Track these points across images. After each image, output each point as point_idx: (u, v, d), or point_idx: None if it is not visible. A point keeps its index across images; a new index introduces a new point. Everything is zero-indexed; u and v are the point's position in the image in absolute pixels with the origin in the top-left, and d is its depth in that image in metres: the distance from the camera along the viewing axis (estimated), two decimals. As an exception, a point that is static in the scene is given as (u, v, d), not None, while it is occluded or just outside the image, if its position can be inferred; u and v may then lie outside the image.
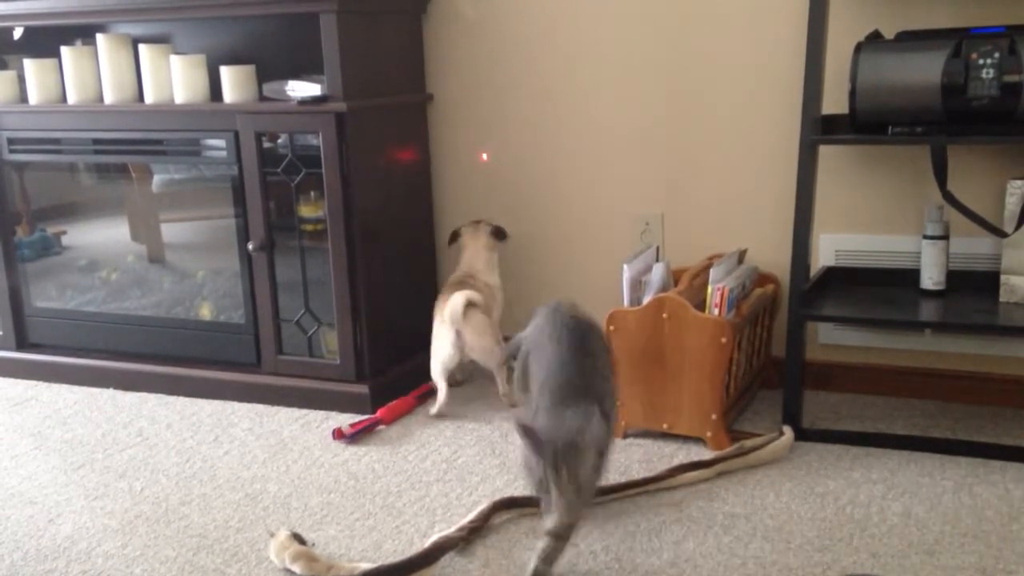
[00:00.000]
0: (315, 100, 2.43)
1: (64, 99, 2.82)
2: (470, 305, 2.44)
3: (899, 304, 2.25)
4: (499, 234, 2.69)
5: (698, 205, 2.61)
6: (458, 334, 2.44)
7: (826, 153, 2.42)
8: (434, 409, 2.50)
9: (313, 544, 1.88)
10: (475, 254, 2.65)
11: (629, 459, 2.19)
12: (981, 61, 2.01)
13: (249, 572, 1.80)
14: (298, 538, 1.84)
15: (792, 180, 2.33)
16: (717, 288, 2.19)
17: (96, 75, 2.76)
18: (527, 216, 2.76)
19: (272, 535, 1.86)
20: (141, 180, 2.86)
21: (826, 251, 2.49)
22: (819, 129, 2.23)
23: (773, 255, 2.54)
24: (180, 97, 2.63)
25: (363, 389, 2.54)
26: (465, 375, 2.71)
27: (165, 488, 2.17)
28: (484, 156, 2.80)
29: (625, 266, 2.32)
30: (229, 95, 2.59)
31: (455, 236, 2.70)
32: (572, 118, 2.69)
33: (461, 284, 2.55)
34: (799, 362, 2.25)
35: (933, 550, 1.77)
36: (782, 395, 2.29)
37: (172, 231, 2.85)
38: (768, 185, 2.52)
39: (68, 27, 2.85)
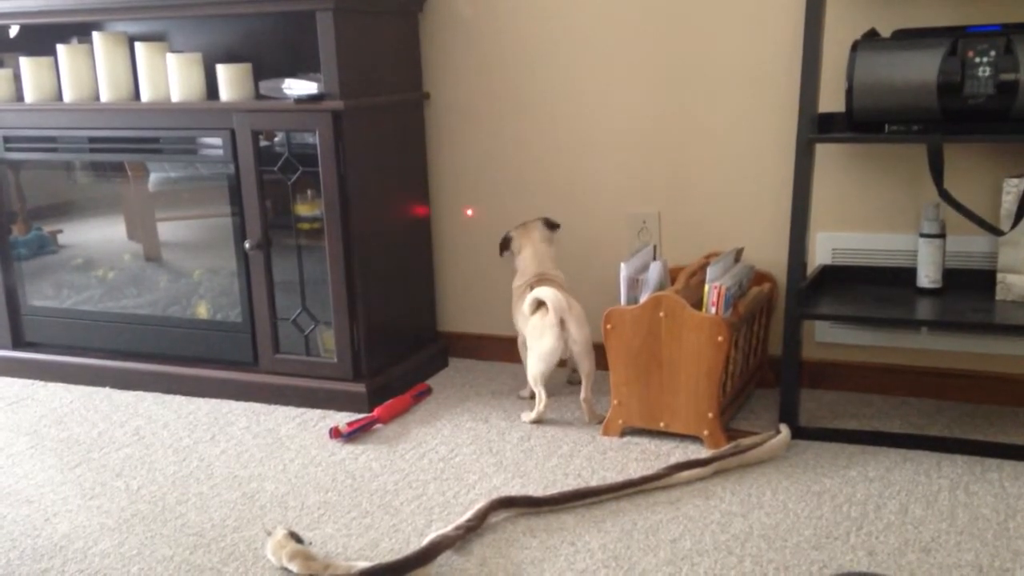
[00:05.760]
0: (311, 98, 2.43)
1: (60, 97, 2.81)
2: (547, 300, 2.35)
3: (895, 302, 2.26)
4: (551, 225, 2.62)
5: (695, 204, 2.61)
6: (562, 324, 2.33)
7: (823, 151, 2.42)
8: (531, 415, 2.40)
9: (310, 543, 1.88)
10: (535, 252, 2.56)
11: (626, 458, 2.19)
12: (977, 59, 2.01)
13: (246, 571, 1.80)
14: (295, 537, 1.84)
15: (789, 178, 2.34)
16: (714, 287, 2.19)
17: (92, 73, 2.76)
18: (524, 215, 2.76)
19: (269, 534, 1.86)
20: (137, 179, 2.85)
21: (823, 250, 2.49)
22: (816, 127, 2.23)
23: (770, 254, 2.54)
24: (176, 95, 2.63)
25: (360, 388, 2.54)
26: (574, 365, 2.50)
27: (162, 487, 2.17)
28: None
29: (622, 264, 2.32)
30: (225, 93, 2.59)
31: (506, 243, 2.63)
32: (569, 117, 2.69)
33: (540, 283, 2.46)
34: (796, 360, 2.25)
35: (929, 548, 1.77)
36: (779, 393, 2.30)
37: (168, 230, 2.84)
38: (765, 184, 2.52)
39: (64, 25, 2.85)
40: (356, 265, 2.51)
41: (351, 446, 2.33)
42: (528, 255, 2.58)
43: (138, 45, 2.66)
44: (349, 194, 2.47)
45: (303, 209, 2.58)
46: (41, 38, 2.90)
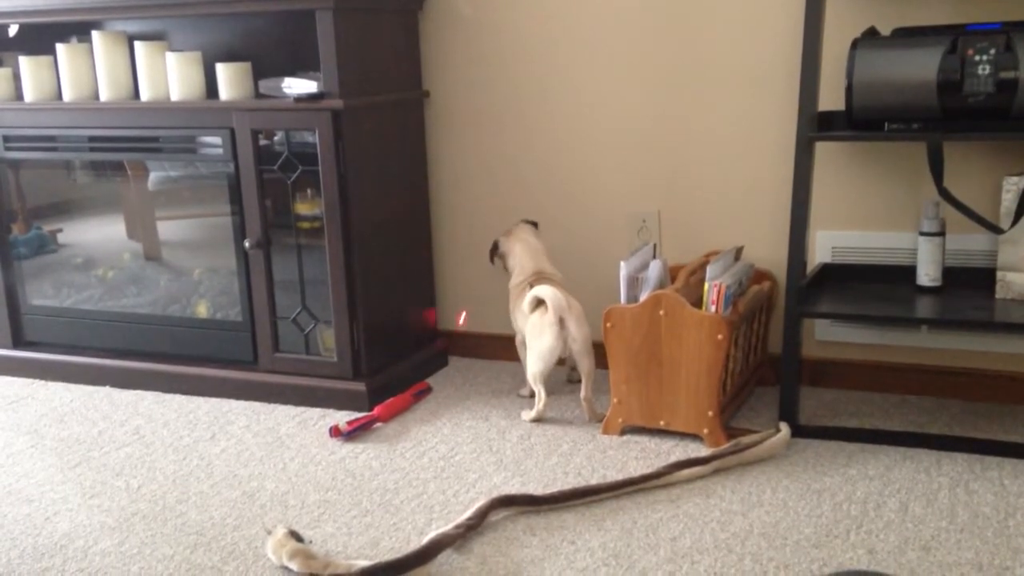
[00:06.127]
0: (311, 97, 2.43)
1: (60, 96, 2.81)
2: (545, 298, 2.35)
3: (895, 301, 2.26)
4: (532, 223, 2.64)
5: (695, 202, 2.61)
6: (562, 323, 2.33)
7: (822, 150, 2.42)
8: (531, 414, 2.40)
9: (310, 541, 1.88)
10: (528, 246, 2.56)
11: (626, 456, 2.19)
12: (977, 57, 2.01)
13: (246, 570, 1.80)
14: (295, 535, 1.84)
15: (789, 177, 2.34)
16: (714, 285, 2.19)
17: (92, 72, 2.76)
18: (524, 213, 2.76)
19: (269, 532, 1.86)
20: (137, 178, 2.85)
21: (823, 248, 2.49)
22: (816, 126, 2.23)
23: (770, 252, 2.54)
24: (176, 94, 2.63)
25: (360, 387, 2.54)
26: (573, 364, 2.54)
27: (162, 486, 2.17)
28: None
29: (622, 263, 2.32)
30: (225, 92, 2.59)
31: (495, 248, 2.64)
32: (569, 115, 2.69)
33: (539, 282, 2.46)
34: (796, 359, 2.25)
35: (929, 546, 1.77)
36: (779, 392, 2.30)
37: (168, 229, 2.84)
38: (765, 182, 2.52)
39: (63, 24, 2.84)
40: (356, 264, 2.51)
41: (351, 445, 2.33)
42: (521, 250, 2.58)
43: (137, 44, 2.66)
44: (349, 193, 2.47)
45: (303, 208, 2.58)
46: (40, 37, 2.90)
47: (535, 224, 2.66)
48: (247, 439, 2.40)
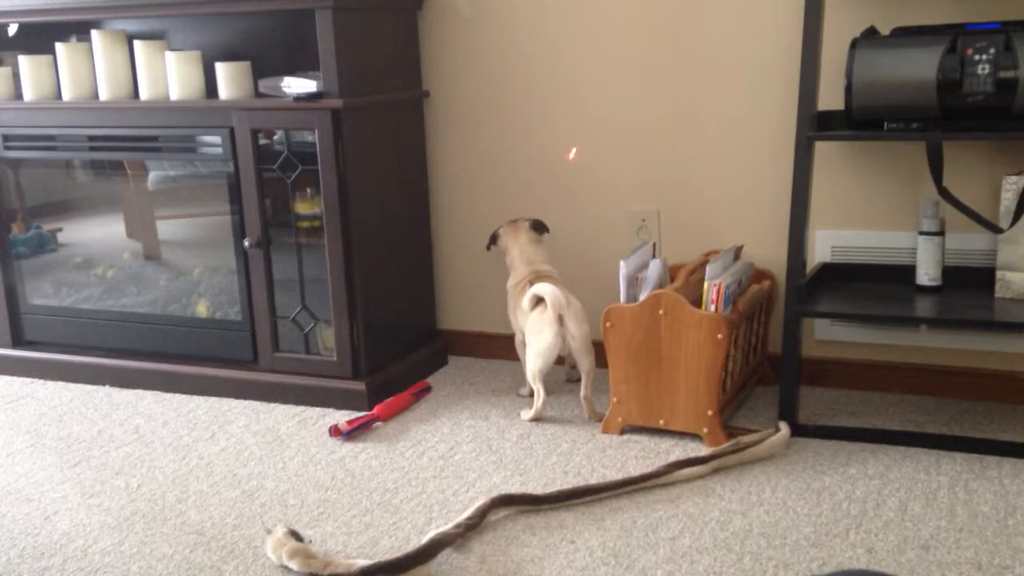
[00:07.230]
0: (311, 97, 2.43)
1: (59, 96, 2.81)
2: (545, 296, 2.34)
3: (895, 300, 2.26)
4: (539, 227, 2.63)
5: (694, 202, 2.61)
6: (561, 320, 2.33)
7: (822, 149, 2.42)
8: (530, 413, 2.40)
9: (310, 541, 1.88)
10: (521, 252, 2.57)
11: (626, 455, 2.19)
12: (977, 57, 2.01)
13: (246, 569, 1.80)
14: (295, 535, 1.84)
15: (788, 176, 2.34)
16: (713, 284, 2.19)
17: (91, 72, 2.76)
18: (524, 213, 2.76)
19: (269, 532, 1.86)
20: (137, 177, 2.85)
21: (822, 247, 2.49)
22: (815, 125, 2.23)
23: (769, 251, 2.54)
24: (175, 94, 2.63)
25: (360, 386, 2.54)
26: (572, 363, 2.56)
27: (162, 485, 2.17)
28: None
29: (622, 263, 2.32)
30: (225, 92, 2.59)
31: (494, 238, 2.65)
32: (568, 115, 2.69)
33: (538, 280, 2.45)
34: (795, 358, 2.25)
35: (929, 545, 1.77)
36: (778, 391, 2.30)
37: (168, 228, 2.84)
38: (764, 181, 2.52)
39: (63, 23, 2.84)
40: (356, 263, 2.51)
41: (351, 444, 2.34)
42: (515, 255, 2.58)
43: (137, 43, 2.66)
44: (348, 192, 2.47)
45: (302, 207, 2.58)
46: (40, 36, 2.90)
47: (543, 227, 2.64)
48: (247, 438, 2.40)
